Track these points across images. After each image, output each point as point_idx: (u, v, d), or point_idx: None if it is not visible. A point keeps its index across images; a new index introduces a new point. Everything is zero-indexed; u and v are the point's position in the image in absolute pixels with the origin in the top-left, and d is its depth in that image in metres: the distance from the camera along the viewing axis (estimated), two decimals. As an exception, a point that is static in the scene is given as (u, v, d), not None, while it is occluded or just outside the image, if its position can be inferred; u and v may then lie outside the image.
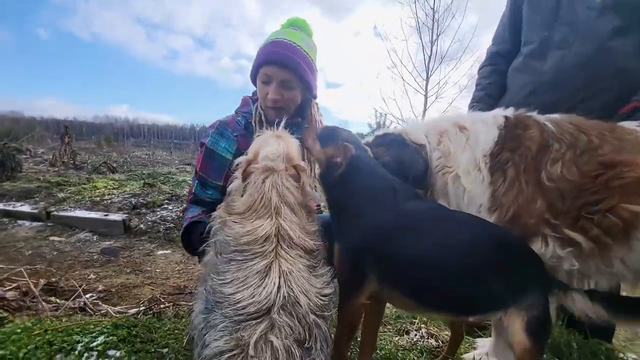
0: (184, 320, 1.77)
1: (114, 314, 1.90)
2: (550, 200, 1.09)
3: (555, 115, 1.26)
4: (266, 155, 1.14)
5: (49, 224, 3.97)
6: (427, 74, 10.02)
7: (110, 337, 1.46)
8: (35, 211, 4.03)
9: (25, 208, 4.14)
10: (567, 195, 1.08)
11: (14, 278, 2.16)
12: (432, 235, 1.03)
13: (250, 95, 1.77)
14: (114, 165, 8.19)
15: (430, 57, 9.84)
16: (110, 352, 1.40)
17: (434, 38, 9.81)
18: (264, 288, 0.77)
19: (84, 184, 5.56)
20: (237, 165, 1.18)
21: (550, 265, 1.08)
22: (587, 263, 1.09)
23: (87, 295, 2.13)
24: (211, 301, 0.80)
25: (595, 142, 1.12)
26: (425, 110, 9.84)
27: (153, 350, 1.45)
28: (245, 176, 1.10)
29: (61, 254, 3.32)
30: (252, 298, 0.74)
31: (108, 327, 1.54)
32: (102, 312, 1.92)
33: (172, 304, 1.99)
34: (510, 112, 1.31)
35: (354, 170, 1.18)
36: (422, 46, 9.85)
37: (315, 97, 1.77)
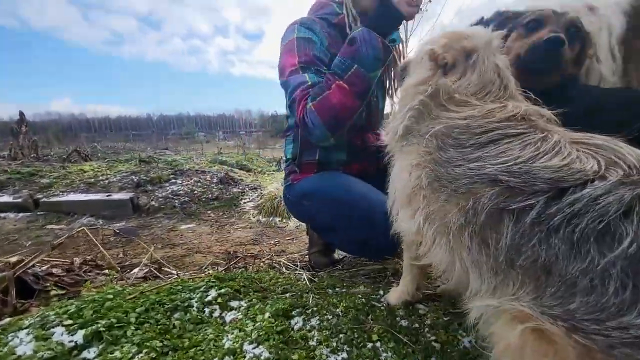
0: (272, 272, 1.57)
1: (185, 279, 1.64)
2: None
3: None
4: (472, 34, 0.92)
5: (39, 213, 3.43)
6: None
7: (224, 289, 1.24)
8: (19, 200, 3.45)
9: (6, 198, 3.54)
10: None
11: (46, 259, 1.80)
12: None
13: None
14: (85, 153, 7.31)
15: None
16: (233, 304, 1.19)
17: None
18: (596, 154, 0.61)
19: (62, 170, 4.88)
20: (440, 52, 0.90)
21: None
22: None
23: (143, 265, 1.83)
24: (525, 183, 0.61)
25: None
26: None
27: (276, 297, 1.25)
28: (469, 52, 0.88)
29: (69, 240, 2.88)
30: (601, 164, 0.58)
31: (213, 280, 1.30)
32: (173, 277, 1.65)
33: (253, 258, 1.77)
34: None
35: None
36: None
37: None
